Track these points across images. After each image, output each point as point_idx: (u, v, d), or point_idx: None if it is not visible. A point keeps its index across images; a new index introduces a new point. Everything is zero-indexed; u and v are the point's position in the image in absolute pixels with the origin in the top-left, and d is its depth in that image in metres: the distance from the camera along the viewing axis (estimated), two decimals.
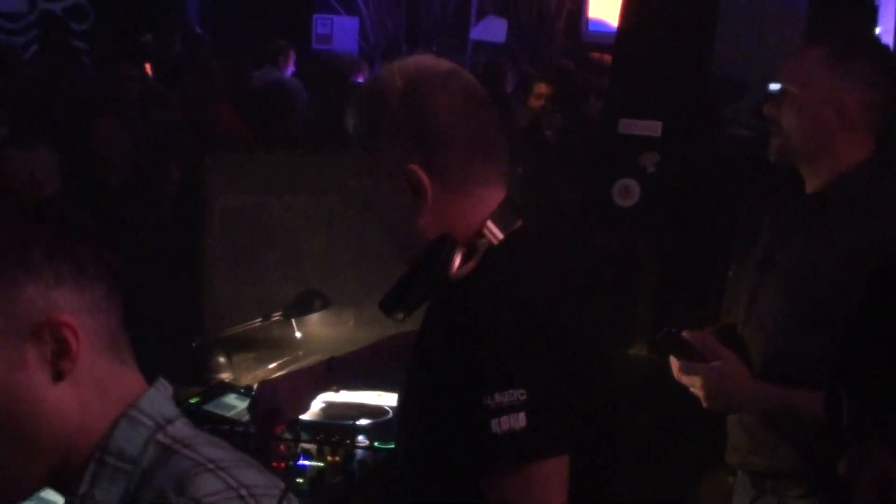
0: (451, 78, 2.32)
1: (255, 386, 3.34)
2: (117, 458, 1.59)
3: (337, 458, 3.11)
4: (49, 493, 3.47)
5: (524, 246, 2.34)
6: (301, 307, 3.84)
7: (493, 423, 2.09)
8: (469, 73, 2.42)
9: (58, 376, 1.57)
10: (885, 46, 3.10)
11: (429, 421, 2.27)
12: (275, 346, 3.97)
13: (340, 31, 14.79)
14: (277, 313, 3.81)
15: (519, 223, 2.35)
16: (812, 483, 3.05)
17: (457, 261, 2.26)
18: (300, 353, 3.99)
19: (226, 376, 3.78)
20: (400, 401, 2.44)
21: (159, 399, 1.65)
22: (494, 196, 2.32)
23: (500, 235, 2.29)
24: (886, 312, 1.11)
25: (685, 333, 3.03)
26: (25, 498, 1.66)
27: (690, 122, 5.44)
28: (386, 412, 3.36)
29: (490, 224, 2.28)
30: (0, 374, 1.56)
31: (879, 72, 3.01)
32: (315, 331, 4.01)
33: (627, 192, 5.31)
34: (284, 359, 3.96)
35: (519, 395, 2.09)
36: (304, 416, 3.26)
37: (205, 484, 1.54)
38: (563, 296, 2.33)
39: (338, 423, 3.28)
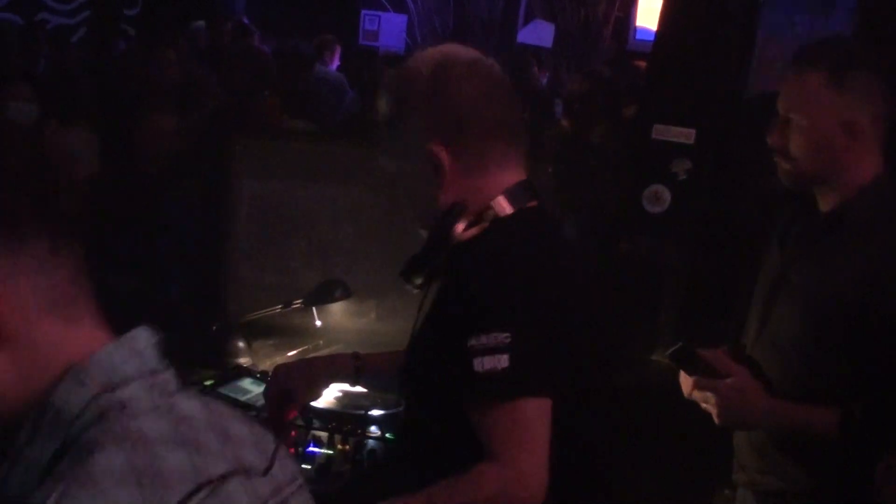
0: (476, 65, 2.49)
1: (270, 372, 3.36)
2: (54, 415, 1.50)
3: (347, 447, 3.11)
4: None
5: (530, 220, 2.49)
6: (322, 296, 3.83)
7: (476, 362, 2.25)
8: (495, 62, 2.56)
9: None
10: (876, 54, 3.08)
11: (427, 364, 2.45)
12: (295, 333, 3.97)
13: (387, 28, 14.82)
14: (298, 301, 3.80)
15: (533, 203, 2.51)
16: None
17: (461, 225, 2.43)
18: (320, 342, 3.99)
19: (244, 361, 3.79)
20: (406, 355, 2.58)
21: (119, 357, 1.54)
22: (510, 178, 2.49)
23: (509, 210, 2.45)
24: None
25: (707, 352, 3.02)
26: None
27: (724, 131, 5.41)
28: (399, 403, 3.35)
29: (501, 198, 2.45)
30: None
31: (878, 81, 2.99)
32: (336, 320, 4.01)
33: (657, 198, 5.28)
34: (304, 347, 3.95)
35: (503, 337, 2.26)
36: (317, 404, 3.27)
37: (105, 459, 1.44)
38: (558, 265, 2.47)
39: (350, 412, 3.27)
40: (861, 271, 2.89)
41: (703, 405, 3.00)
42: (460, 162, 2.45)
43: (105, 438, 1.47)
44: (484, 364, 2.26)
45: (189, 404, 1.59)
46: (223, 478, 1.52)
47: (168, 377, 1.59)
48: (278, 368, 2.94)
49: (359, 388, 3.27)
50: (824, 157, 2.98)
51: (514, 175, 2.50)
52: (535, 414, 2.30)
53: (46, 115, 6.40)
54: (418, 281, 2.52)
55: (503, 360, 2.25)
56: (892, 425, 2.89)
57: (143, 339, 1.58)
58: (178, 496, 1.45)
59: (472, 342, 2.27)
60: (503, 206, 2.45)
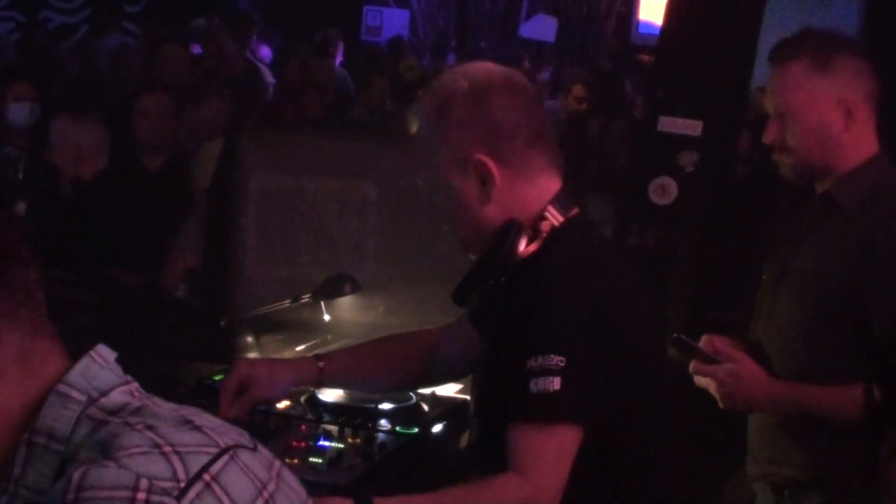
0: (510, 79, 2.60)
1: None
2: (47, 437, 1.53)
3: (358, 441, 3.10)
4: None
5: (582, 229, 2.60)
6: (331, 290, 3.82)
7: (532, 382, 2.34)
8: (525, 77, 2.70)
9: None
10: (853, 40, 3.12)
11: (491, 382, 2.55)
12: (303, 328, 3.95)
13: (390, 24, 14.82)
14: (306, 295, 3.79)
15: (575, 210, 2.60)
16: (830, 492, 3.03)
17: (523, 242, 2.50)
18: (328, 336, 3.97)
19: (253, 356, 3.77)
20: (475, 377, 2.71)
21: (93, 370, 1.59)
22: (553, 184, 2.59)
23: (561, 219, 2.55)
24: None
25: (703, 339, 3.06)
26: None
27: (731, 123, 5.40)
28: (410, 397, 3.35)
29: (551, 208, 2.55)
30: None
31: (863, 62, 3.00)
32: (344, 315, 3.99)
33: (664, 190, 5.26)
34: (312, 342, 3.93)
35: (558, 360, 2.34)
36: (327, 398, 3.27)
37: (125, 440, 1.48)
38: (617, 279, 2.55)
39: (361, 405, 3.26)
40: (851, 249, 2.92)
41: (710, 390, 3.04)
42: (507, 170, 2.53)
43: (117, 431, 1.51)
44: (538, 385, 2.35)
45: (165, 404, 1.64)
46: (236, 447, 1.58)
47: (138, 385, 1.65)
48: (240, 361, 2.96)
49: None
50: (824, 141, 2.99)
51: (554, 181, 2.59)
52: (570, 440, 2.39)
53: (55, 109, 6.38)
54: (474, 303, 2.64)
55: (556, 383, 2.34)
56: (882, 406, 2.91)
57: (107, 353, 1.63)
58: (203, 461, 1.50)
59: (531, 363, 2.36)
60: (555, 215, 2.54)
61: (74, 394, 1.55)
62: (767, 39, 5.58)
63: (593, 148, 7.53)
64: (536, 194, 2.55)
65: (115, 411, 1.55)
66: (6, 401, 1.54)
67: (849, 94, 2.98)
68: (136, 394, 1.61)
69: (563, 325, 2.39)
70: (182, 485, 1.45)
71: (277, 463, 1.72)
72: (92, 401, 1.56)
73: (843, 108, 2.97)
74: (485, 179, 2.52)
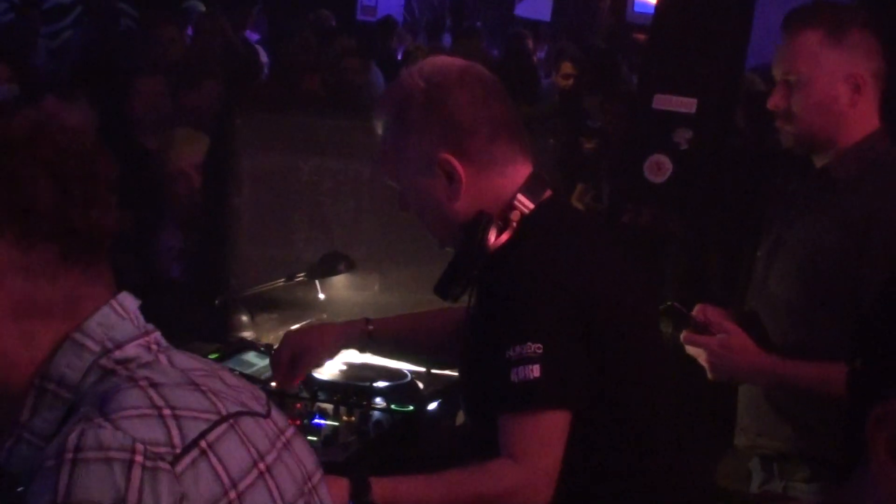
0: (466, 73, 2.58)
1: (275, 346, 3.38)
2: (57, 384, 1.53)
3: (352, 419, 3.10)
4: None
5: (554, 213, 2.58)
6: (325, 269, 3.82)
7: (513, 372, 2.36)
8: (481, 66, 2.67)
9: None
10: (871, 15, 3.10)
11: (477, 373, 2.55)
12: (298, 307, 3.95)
13: (385, 3, 14.77)
14: (301, 274, 3.79)
15: (548, 193, 2.59)
16: (814, 466, 3.04)
17: (493, 234, 2.49)
18: (324, 315, 3.97)
19: (248, 335, 3.78)
20: (462, 365, 2.70)
21: (111, 320, 1.57)
22: (522, 171, 2.57)
23: (531, 205, 2.53)
24: None
25: (697, 308, 3.07)
26: None
27: (725, 101, 5.41)
28: (404, 375, 3.35)
29: (520, 196, 2.53)
30: None
31: (875, 39, 2.99)
32: (339, 293, 3.99)
33: (659, 167, 5.28)
34: (307, 320, 3.93)
35: (536, 348, 2.35)
36: (322, 376, 3.28)
37: (124, 399, 1.48)
38: (593, 257, 2.55)
39: (355, 383, 3.27)
40: (845, 225, 2.92)
41: (699, 360, 3.05)
42: (472, 165, 2.53)
43: (119, 385, 1.51)
44: (518, 374, 2.36)
45: (184, 358, 1.64)
46: (237, 414, 1.57)
47: (159, 336, 1.64)
48: (289, 334, 3.07)
49: (363, 360, 3.29)
50: (829, 113, 2.98)
51: (524, 168, 2.58)
52: (558, 424, 2.40)
53: (42, 91, 6.37)
54: (455, 294, 2.61)
55: (535, 371, 2.35)
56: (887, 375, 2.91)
57: (130, 302, 1.62)
58: (201, 427, 1.50)
59: (510, 353, 2.37)
60: (525, 203, 2.54)
61: (89, 343, 1.55)
62: (762, 18, 5.60)
63: (588, 126, 7.54)
64: (505, 184, 2.55)
65: (125, 362, 1.55)
66: (42, 343, 1.54)
67: (859, 69, 2.97)
68: (154, 346, 1.60)
69: (537, 314, 2.40)
70: (177, 451, 1.45)
71: (290, 431, 1.71)
72: (106, 351, 1.55)
73: (851, 83, 2.96)
74: (451, 177, 2.53)
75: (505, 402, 2.40)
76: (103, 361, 1.54)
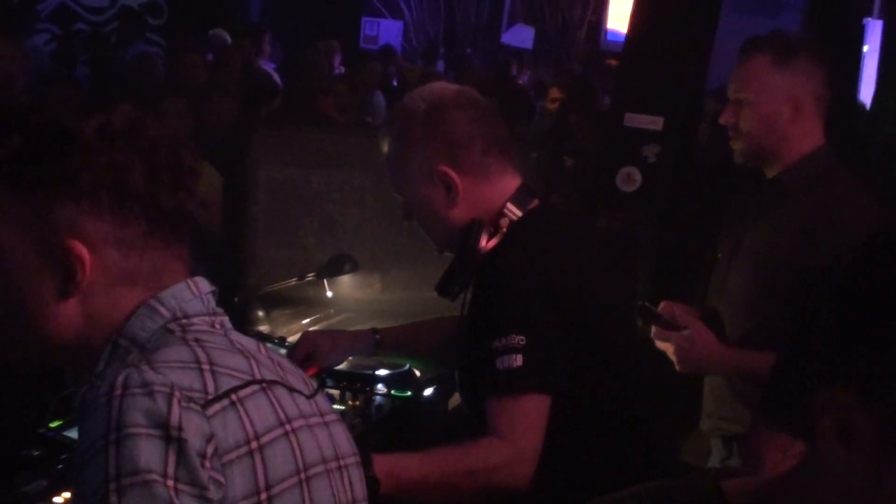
0: (462, 95, 2.65)
1: (288, 338, 3.41)
2: (130, 341, 1.55)
3: (357, 403, 3.10)
4: None
5: (540, 220, 2.61)
6: (333, 269, 3.81)
7: (498, 361, 2.38)
8: (473, 90, 2.73)
9: (62, 294, 1.54)
10: (819, 42, 3.13)
11: (471, 366, 2.56)
12: (308, 303, 3.95)
13: (386, 33, 14.80)
14: (311, 274, 3.78)
15: (535, 202, 2.63)
16: None
17: (484, 238, 2.53)
18: (331, 311, 3.97)
19: (263, 328, 3.76)
20: (459, 361, 2.69)
21: (185, 295, 1.59)
22: (511, 183, 2.62)
23: (519, 213, 2.58)
24: (867, 271, 1.06)
25: (662, 304, 3.07)
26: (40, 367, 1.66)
27: (689, 119, 5.42)
28: (403, 364, 3.34)
29: (510, 205, 2.58)
30: (19, 273, 1.54)
31: (820, 65, 3.02)
32: (345, 291, 3.99)
33: (630, 178, 5.28)
34: (316, 315, 3.94)
35: (519, 339, 2.37)
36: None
37: (171, 352, 1.51)
38: (575, 259, 2.58)
39: (360, 371, 3.26)
40: (798, 228, 2.92)
41: (668, 354, 3.04)
42: (468, 177, 2.57)
43: (172, 340, 1.54)
44: (503, 362, 2.38)
45: (244, 338, 1.66)
46: (272, 382, 1.58)
47: (225, 320, 1.65)
48: (306, 334, 3.11)
49: None
50: (772, 130, 3.01)
51: (513, 180, 2.63)
52: (538, 408, 2.41)
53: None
54: (454, 293, 2.64)
55: (518, 360, 2.37)
56: (818, 363, 2.90)
57: (204, 284, 1.64)
58: (233, 383, 1.51)
59: (496, 343, 2.39)
60: (514, 211, 2.58)
61: (162, 309, 1.57)
62: (721, 45, 5.60)
63: (570, 143, 7.55)
64: (496, 194, 2.59)
65: (186, 326, 1.57)
66: (125, 306, 1.57)
67: (800, 91, 2.99)
68: (217, 326, 1.62)
69: (521, 308, 2.42)
70: (209, 396, 1.47)
71: (332, 416, 1.71)
72: (175, 318, 1.57)
73: (792, 104, 2.98)
74: (449, 187, 2.58)
75: (491, 388, 2.41)
76: (171, 325, 1.56)
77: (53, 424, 2.57)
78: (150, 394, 1.41)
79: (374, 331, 3.12)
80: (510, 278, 2.45)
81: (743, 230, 3.13)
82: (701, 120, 5.88)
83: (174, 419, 1.40)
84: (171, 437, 1.39)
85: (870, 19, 11.46)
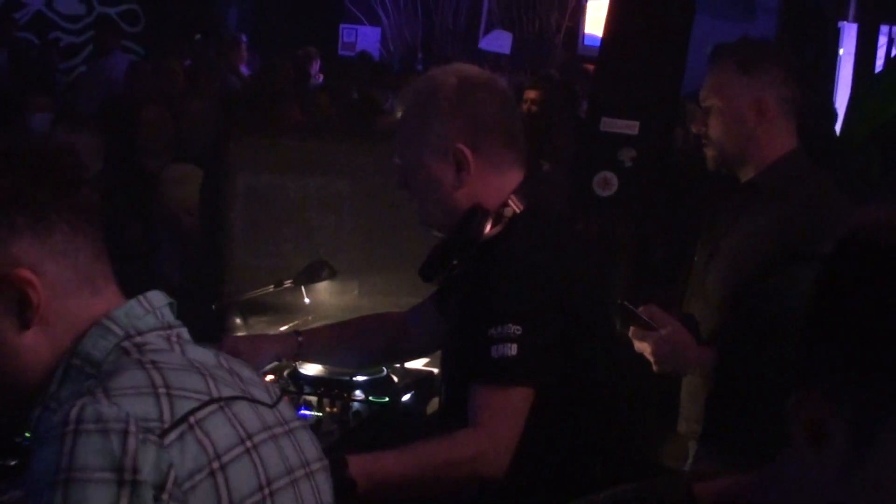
0: (493, 81, 2.64)
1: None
2: (83, 361, 1.53)
3: (335, 409, 3.09)
4: None
5: (541, 215, 2.62)
6: (310, 276, 3.79)
7: (493, 348, 2.36)
8: (503, 81, 2.73)
9: (24, 325, 1.52)
10: (785, 47, 3.16)
11: (457, 352, 2.55)
12: (286, 310, 3.93)
13: (364, 40, 14.79)
14: (289, 281, 3.77)
15: (528, 200, 2.60)
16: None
17: (488, 226, 2.52)
18: (309, 317, 3.96)
19: (241, 335, 3.75)
20: (444, 344, 2.69)
21: (137, 312, 1.58)
22: (517, 176, 2.59)
23: (521, 207, 2.55)
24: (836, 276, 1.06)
25: (642, 308, 3.06)
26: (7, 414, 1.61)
27: (664, 123, 5.44)
28: (381, 370, 3.34)
29: (514, 197, 2.55)
30: None
31: (785, 69, 3.05)
32: (322, 298, 3.98)
33: (607, 183, 5.30)
34: (294, 322, 3.92)
35: (515, 329, 2.35)
36: (307, 371, 3.26)
37: (127, 378, 1.48)
38: (568, 259, 2.57)
39: (338, 378, 3.25)
40: (772, 230, 2.94)
41: (645, 355, 3.04)
42: (482, 162, 2.53)
43: (127, 364, 1.51)
44: (498, 351, 2.35)
45: (202, 352, 1.63)
46: (232, 398, 1.57)
47: (183, 332, 1.63)
48: (226, 340, 2.98)
49: None
50: (738, 134, 3.03)
51: (518, 174, 2.60)
52: (523, 401, 2.40)
53: (57, 121, 6.36)
54: (439, 277, 2.62)
55: (513, 349, 2.35)
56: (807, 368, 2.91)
57: (157, 298, 1.62)
58: (191, 405, 1.49)
59: (492, 331, 2.36)
60: (517, 204, 2.55)
61: (115, 328, 1.55)
62: (697, 50, 5.62)
63: (547, 146, 7.55)
64: (502, 185, 2.55)
65: (141, 346, 1.55)
66: (77, 324, 1.55)
67: (764, 95, 3.01)
68: (174, 339, 1.60)
69: (521, 298, 2.40)
70: (166, 425, 1.44)
71: (296, 423, 1.70)
72: (128, 336, 1.55)
73: (756, 107, 3.00)
74: (461, 167, 2.52)
75: (480, 374, 2.40)
76: (125, 344, 1.55)
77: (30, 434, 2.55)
78: (105, 432, 1.39)
79: (297, 333, 3.02)
80: (511, 268, 2.43)
81: (720, 234, 3.14)
82: (677, 124, 5.90)
83: (128, 461, 1.38)
84: (125, 481, 1.37)
85: (845, 23, 11.53)
